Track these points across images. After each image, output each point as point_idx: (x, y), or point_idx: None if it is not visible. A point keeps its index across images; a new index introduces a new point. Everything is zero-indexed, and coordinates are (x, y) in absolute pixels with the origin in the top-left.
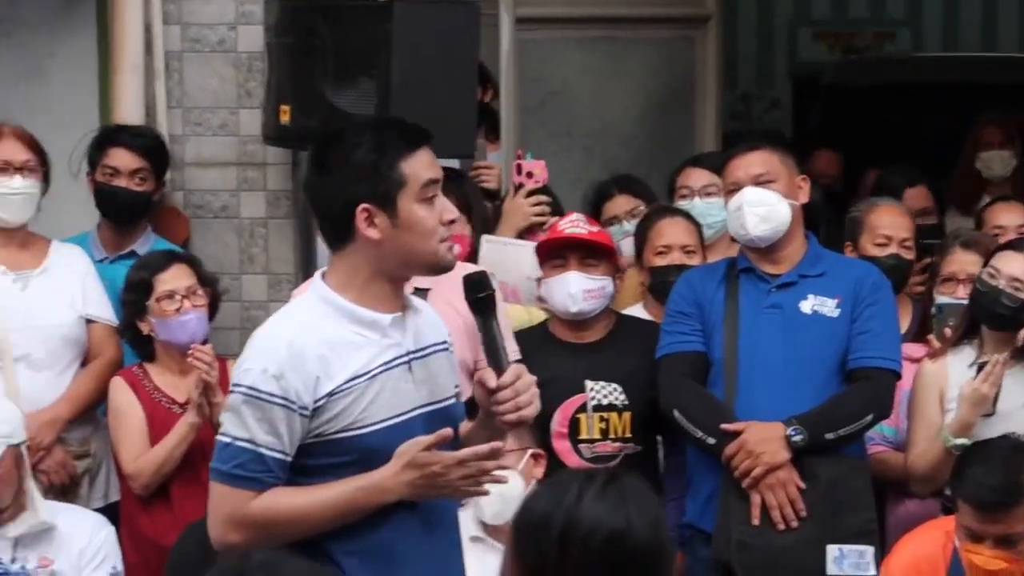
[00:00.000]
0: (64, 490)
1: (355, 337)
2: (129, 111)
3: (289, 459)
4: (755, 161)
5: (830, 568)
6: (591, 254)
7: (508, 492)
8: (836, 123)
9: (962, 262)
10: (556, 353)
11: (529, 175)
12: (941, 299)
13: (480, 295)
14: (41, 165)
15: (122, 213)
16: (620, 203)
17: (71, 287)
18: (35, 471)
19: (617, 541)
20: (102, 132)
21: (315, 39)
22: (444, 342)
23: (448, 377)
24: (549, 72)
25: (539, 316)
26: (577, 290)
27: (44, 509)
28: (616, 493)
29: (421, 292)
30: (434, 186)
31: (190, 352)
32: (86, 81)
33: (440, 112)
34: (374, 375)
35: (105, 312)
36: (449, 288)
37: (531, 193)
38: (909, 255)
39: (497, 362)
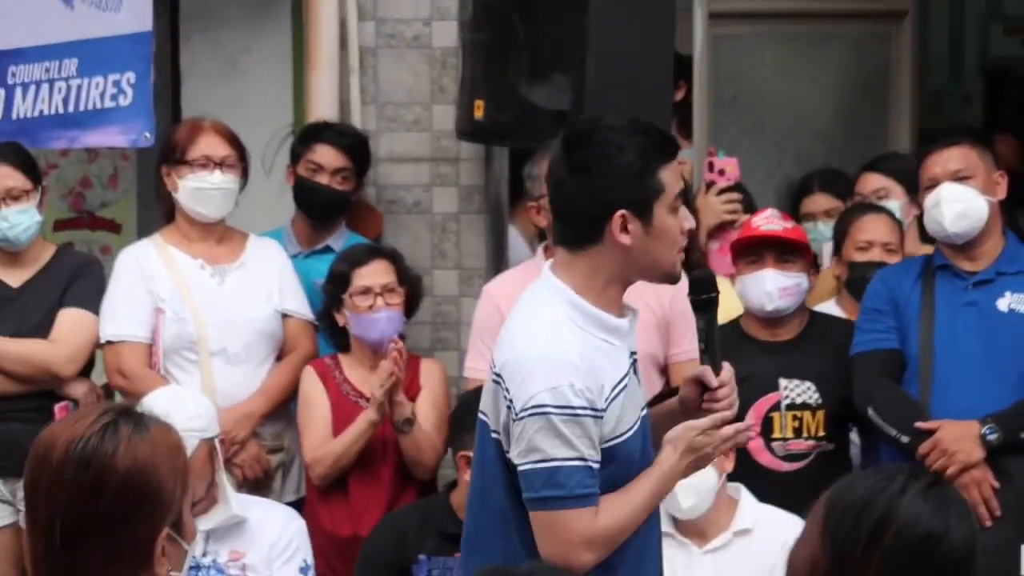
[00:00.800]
0: (258, 484)
1: (604, 344)
2: (323, 107)
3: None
4: (953, 156)
5: None
6: (787, 251)
7: (703, 485)
8: None
9: None
10: (749, 351)
11: (721, 172)
12: None
13: (705, 296)
14: (240, 160)
15: (321, 210)
16: (819, 201)
17: (268, 281)
18: (229, 465)
19: (931, 544)
20: (309, 127)
21: (510, 34)
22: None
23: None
24: (742, 67)
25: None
26: (773, 288)
27: (236, 503)
28: (939, 496)
29: None
30: (681, 196)
31: (389, 348)
32: (280, 77)
33: (635, 107)
34: (625, 383)
35: (301, 307)
36: (643, 284)
37: (723, 191)
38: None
39: (715, 361)
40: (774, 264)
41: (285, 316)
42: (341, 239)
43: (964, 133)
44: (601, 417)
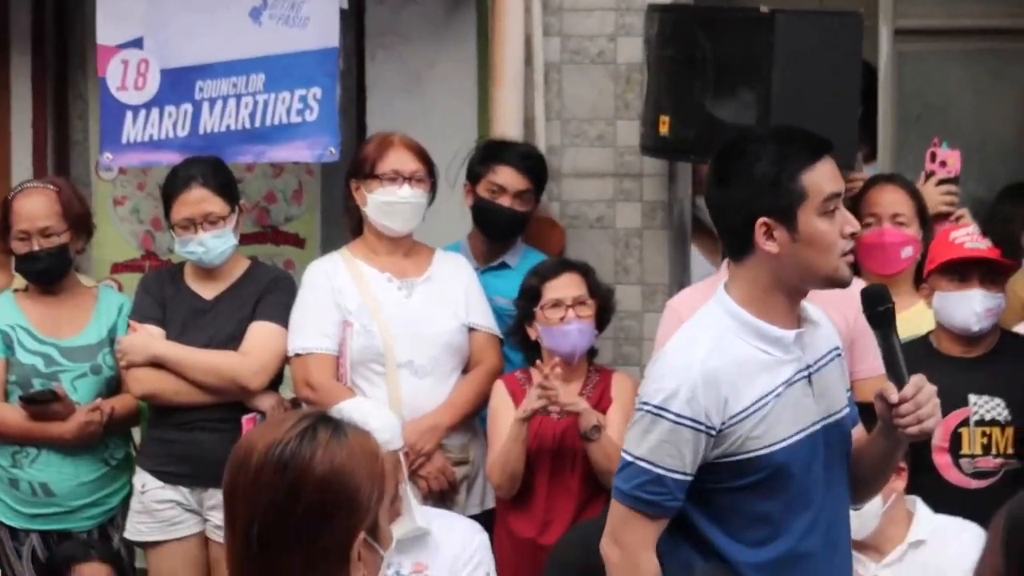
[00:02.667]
0: (443, 496)
1: (761, 355)
2: (508, 123)
3: (690, 479)
4: None
5: None
6: (992, 271)
7: (867, 508)
8: None
9: None
10: (940, 367)
11: (943, 164)
12: None
13: (880, 308)
14: (429, 175)
15: (501, 231)
16: None
17: (454, 295)
18: (414, 477)
19: None
20: (489, 146)
21: (696, 50)
22: (836, 347)
23: (840, 385)
24: (928, 84)
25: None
26: (981, 309)
27: (420, 515)
28: None
29: None
30: (835, 199)
31: (548, 366)
32: (465, 93)
33: (821, 123)
34: (779, 393)
35: (487, 321)
36: (826, 302)
37: (942, 182)
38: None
39: (898, 375)
40: (980, 284)
41: (471, 330)
42: (517, 255)
43: None
44: (714, 431)
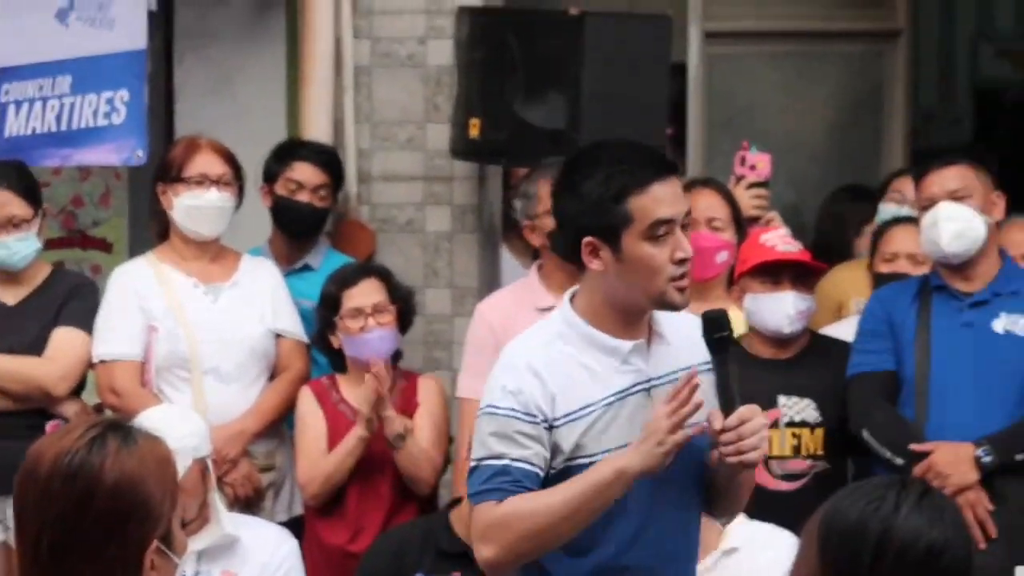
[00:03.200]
0: (249, 503)
1: (592, 363)
2: (317, 125)
3: (539, 472)
4: (951, 176)
5: None
6: (803, 274)
7: None
8: (1020, 142)
9: None
10: (750, 368)
11: (752, 167)
12: None
13: (718, 335)
14: (236, 179)
15: (303, 228)
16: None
17: (261, 301)
18: (220, 484)
19: (935, 555)
20: (283, 145)
21: (506, 53)
22: (703, 363)
23: (711, 402)
24: (737, 87)
25: None
26: (793, 311)
27: (228, 522)
28: (932, 506)
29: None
30: (666, 224)
31: (372, 367)
32: (275, 95)
33: (630, 125)
34: (610, 403)
35: (294, 327)
36: None
37: (752, 185)
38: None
39: (727, 403)
40: (792, 286)
41: (278, 336)
42: (319, 256)
43: (962, 152)
44: (547, 423)
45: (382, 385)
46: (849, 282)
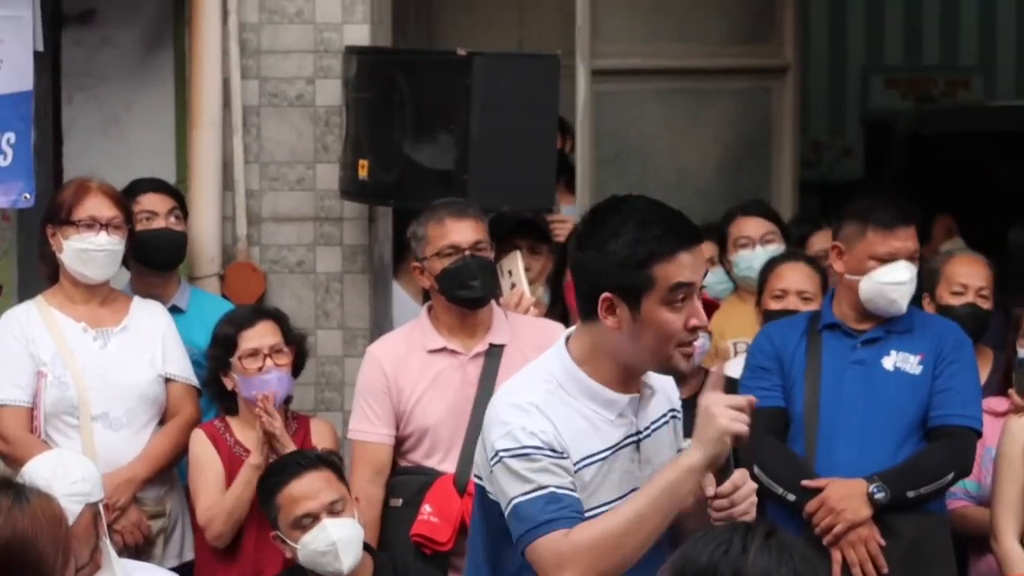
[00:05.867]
0: (138, 550)
1: (591, 414)
2: (206, 166)
3: (578, 497)
4: (911, 236)
5: None
6: None
7: None
8: (912, 171)
9: None
10: None
11: None
12: (1023, 352)
13: None
14: (126, 222)
15: (168, 255)
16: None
17: (151, 345)
18: (110, 530)
19: None
20: (123, 190)
21: (394, 93)
22: (673, 409)
23: (670, 449)
24: (625, 124)
25: None
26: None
27: (120, 568)
28: (779, 546)
29: (497, 348)
30: (685, 288)
31: (258, 403)
32: (163, 135)
33: (519, 165)
34: (606, 457)
35: (184, 371)
36: (527, 345)
37: None
38: (986, 304)
39: (721, 469)
40: None
41: (168, 380)
42: (184, 297)
43: (909, 208)
44: (566, 458)
45: (272, 420)
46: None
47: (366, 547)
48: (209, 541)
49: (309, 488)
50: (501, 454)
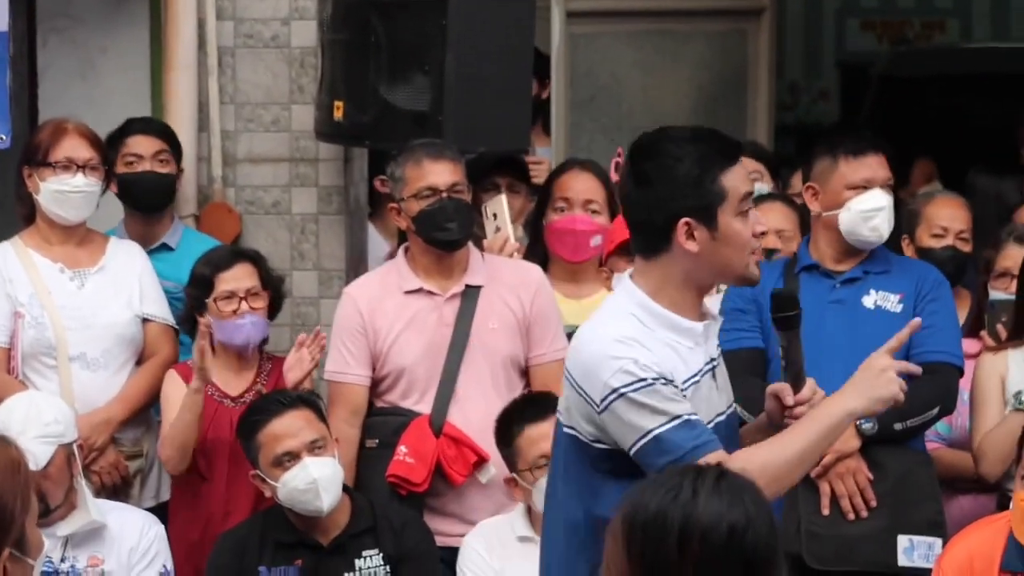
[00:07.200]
0: (116, 490)
1: (675, 344)
2: (181, 108)
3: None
4: (883, 163)
5: (900, 559)
6: None
7: None
8: (887, 113)
9: (1016, 257)
10: None
11: None
12: (995, 295)
13: (788, 313)
14: (103, 163)
15: (151, 197)
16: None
17: (128, 285)
18: (87, 471)
19: (738, 536)
20: (113, 132)
21: (369, 35)
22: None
23: (728, 382)
24: (600, 66)
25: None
26: None
27: (95, 508)
28: (731, 488)
29: (473, 289)
30: (748, 199)
31: (201, 326)
32: (139, 77)
33: (495, 107)
34: (697, 382)
35: (161, 311)
36: (504, 287)
37: None
38: (966, 247)
39: (796, 378)
40: None
41: (145, 320)
42: (176, 235)
43: (876, 139)
44: (677, 386)
45: (203, 352)
46: None
47: (344, 487)
48: (168, 471)
49: (290, 427)
50: (621, 390)
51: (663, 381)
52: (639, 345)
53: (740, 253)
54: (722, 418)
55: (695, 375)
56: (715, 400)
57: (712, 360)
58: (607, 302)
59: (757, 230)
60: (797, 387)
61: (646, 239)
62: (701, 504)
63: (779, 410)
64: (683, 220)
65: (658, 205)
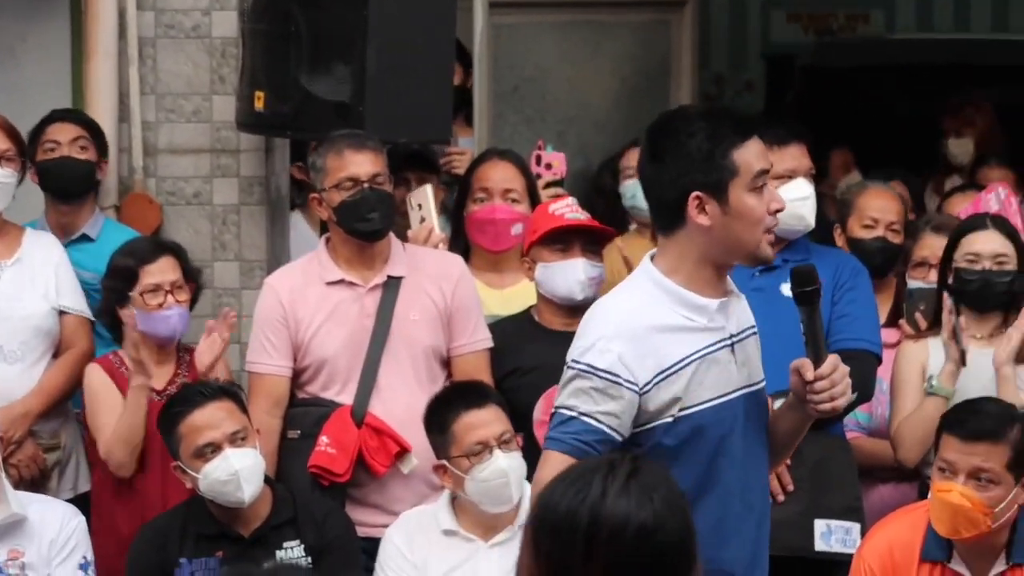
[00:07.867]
0: (34, 482)
1: (684, 321)
2: (102, 98)
3: (620, 440)
4: (804, 153)
5: (817, 544)
6: (594, 241)
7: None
8: (812, 104)
9: (933, 247)
10: (541, 340)
11: (548, 166)
12: (913, 284)
13: (808, 288)
14: (19, 155)
15: (70, 184)
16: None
17: (44, 277)
18: (5, 465)
19: (646, 536)
20: (37, 125)
21: (290, 25)
22: (753, 325)
23: (758, 360)
24: (523, 57)
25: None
26: (584, 277)
27: (15, 501)
28: (641, 486)
29: (395, 280)
30: (764, 176)
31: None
32: (58, 67)
33: (416, 98)
34: (702, 356)
35: (78, 303)
36: (426, 278)
37: (549, 184)
38: (896, 239)
39: (817, 353)
40: (582, 253)
41: (62, 313)
42: (96, 226)
43: (795, 129)
44: (636, 387)
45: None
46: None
47: (266, 479)
48: (114, 472)
49: (211, 418)
50: (576, 365)
51: (612, 378)
52: (627, 330)
53: (752, 229)
54: (741, 393)
55: (702, 349)
56: (733, 375)
57: (731, 336)
58: (629, 280)
59: (772, 207)
60: (818, 362)
61: (662, 216)
62: (609, 504)
63: (802, 385)
64: (694, 194)
65: (671, 181)
